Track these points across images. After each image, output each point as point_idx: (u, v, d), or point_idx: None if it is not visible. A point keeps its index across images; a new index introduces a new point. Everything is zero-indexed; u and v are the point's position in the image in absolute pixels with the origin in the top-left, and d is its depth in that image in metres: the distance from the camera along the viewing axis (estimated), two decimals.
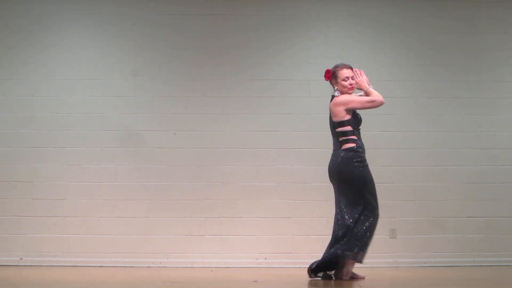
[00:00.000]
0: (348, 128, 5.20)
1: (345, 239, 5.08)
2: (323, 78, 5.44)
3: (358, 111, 5.29)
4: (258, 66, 7.21)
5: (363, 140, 5.31)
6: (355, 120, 5.25)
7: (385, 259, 6.88)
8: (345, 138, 5.20)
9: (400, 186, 7.04)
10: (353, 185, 5.15)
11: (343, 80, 5.27)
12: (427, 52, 7.25)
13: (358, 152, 5.20)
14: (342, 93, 5.27)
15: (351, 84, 5.27)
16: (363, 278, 5.21)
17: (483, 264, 6.87)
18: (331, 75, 5.32)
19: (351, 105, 5.21)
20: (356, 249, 5.10)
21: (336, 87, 5.31)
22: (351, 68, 5.35)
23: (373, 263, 6.78)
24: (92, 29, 7.22)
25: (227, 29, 7.22)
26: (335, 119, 5.23)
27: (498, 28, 7.30)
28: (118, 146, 7.05)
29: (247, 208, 6.98)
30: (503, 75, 7.26)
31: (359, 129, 5.29)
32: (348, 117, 5.20)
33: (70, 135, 7.04)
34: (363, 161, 5.23)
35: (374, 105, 5.24)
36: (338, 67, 5.34)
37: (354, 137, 5.21)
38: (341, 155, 5.17)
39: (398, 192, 7.02)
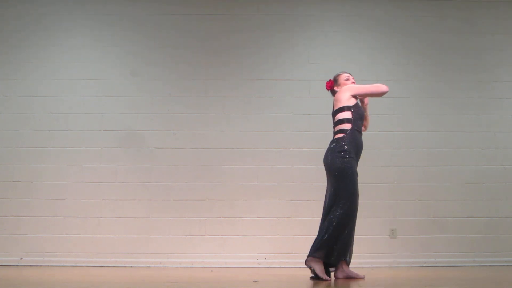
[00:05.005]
0: (347, 114, 5.20)
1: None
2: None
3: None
4: (258, 66, 7.21)
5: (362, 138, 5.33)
6: (357, 111, 5.25)
7: (385, 259, 6.88)
8: (339, 128, 5.20)
9: (400, 186, 7.04)
10: (334, 176, 5.13)
11: (346, 80, 5.42)
12: (427, 52, 7.26)
13: (344, 143, 5.13)
14: None
15: (353, 83, 5.42)
16: (363, 278, 5.20)
17: (483, 264, 6.87)
18: (333, 83, 5.47)
19: (358, 91, 5.27)
20: (313, 247, 5.06)
21: (338, 90, 5.39)
22: (349, 74, 5.52)
23: (373, 263, 6.79)
24: (92, 29, 7.23)
25: (227, 29, 7.23)
26: (337, 106, 5.25)
27: (498, 28, 7.31)
28: (118, 146, 7.05)
29: (247, 208, 6.98)
30: (503, 75, 7.27)
31: (361, 133, 5.30)
32: (349, 103, 5.22)
33: (70, 135, 7.04)
34: (346, 151, 5.13)
35: (379, 90, 5.27)
36: (337, 74, 5.51)
37: (348, 124, 5.17)
38: (331, 145, 5.20)
39: (398, 192, 7.03)
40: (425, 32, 7.28)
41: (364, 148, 7.19)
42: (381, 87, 5.28)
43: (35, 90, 7.11)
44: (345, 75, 5.46)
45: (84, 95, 7.12)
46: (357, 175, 5.19)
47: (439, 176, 7.08)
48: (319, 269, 5.02)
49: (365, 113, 5.42)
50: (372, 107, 7.11)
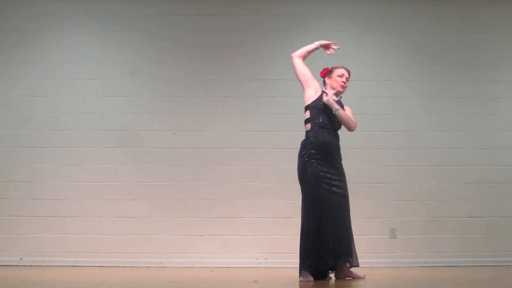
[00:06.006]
0: (306, 114, 5.13)
1: None
2: (322, 77, 5.42)
3: (328, 112, 5.12)
4: (258, 66, 7.21)
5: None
6: (326, 119, 5.08)
7: (385, 259, 6.88)
8: (306, 129, 5.13)
9: (400, 186, 7.04)
10: (299, 183, 5.11)
11: (338, 75, 5.22)
12: (427, 52, 7.25)
13: (305, 146, 5.08)
14: (332, 88, 5.21)
15: (344, 82, 5.20)
16: (363, 277, 5.19)
17: (483, 264, 6.87)
18: (327, 72, 5.30)
19: (296, 72, 5.20)
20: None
21: (327, 82, 5.26)
22: (349, 71, 5.30)
23: (373, 263, 6.79)
24: (92, 28, 7.22)
25: (227, 28, 7.22)
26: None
27: (499, 27, 7.30)
28: (118, 146, 7.05)
29: (247, 208, 6.98)
30: (504, 75, 7.26)
31: (330, 127, 5.09)
32: (307, 101, 5.13)
33: (70, 135, 7.04)
34: (306, 155, 5.07)
35: (292, 59, 5.21)
36: (337, 66, 5.31)
37: (308, 125, 5.10)
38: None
39: (398, 192, 7.03)
40: (425, 32, 7.27)
41: (364, 148, 7.21)
42: (292, 55, 5.24)
43: (35, 90, 7.10)
44: (340, 71, 5.24)
45: (84, 95, 7.12)
46: (320, 174, 5.01)
47: (439, 176, 7.08)
48: (304, 276, 5.02)
49: (334, 112, 5.06)
50: (372, 107, 7.13)
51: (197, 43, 7.19)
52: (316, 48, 5.32)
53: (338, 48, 5.36)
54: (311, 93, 5.16)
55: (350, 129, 5.20)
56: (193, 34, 7.21)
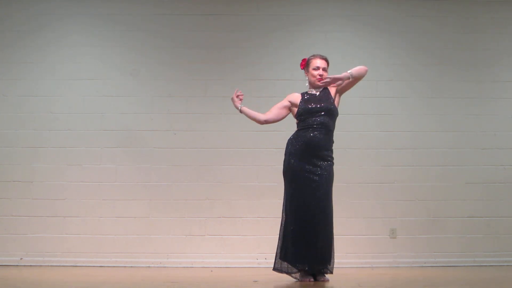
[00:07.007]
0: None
1: None
2: (303, 69, 5.41)
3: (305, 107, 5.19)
4: (258, 66, 7.20)
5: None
6: (312, 121, 5.11)
7: (385, 259, 6.88)
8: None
9: (400, 186, 7.04)
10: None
11: (313, 69, 5.15)
12: (427, 52, 7.24)
13: (288, 145, 5.16)
14: (310, 83, 5.20)
15: (320, 75, 5.12)
16: (326, 280, 5.00)
17: (483, 264, 6.87)
18: (305, 63, 5.24)
19: (281, 119, 5.45)
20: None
21: (307, 76, 5.24)
22: (326, 60, 5.20)
23: (373, 263, 6.79)
24: (92, 28, 7.22)
25: (227, 28, 7.22)
26: None
27: (499, 27, 7.29)
28: (118, 146, 7.05)
29: (247, 208, 6.98)
30: (504, 75, 7.25)
31: (315, 127, 5.08)
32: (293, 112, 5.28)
33: (70, 135, 7.04)
34: (288, 153, 5.11)
35: (264, 121, 5.42)
36: (313, 56, 5.23)
37: (297, 129, 5.20)
38: None
39: (398, 192, 7.02)
40: (425, 32, 7.25)
41: (364, 148, 7.21)
42: (264, 122, 5.42)
43: (35, 90, 7.10)
44: (315, 63, 5.16)
45: (84, 95, 7.11)
46: (297, 173, 5.01)
47: (439, 176, 7.07)
48: (304, 276, 5.00)
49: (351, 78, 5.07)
50: (372, 107, 7.13)
51: (197, 43, 7.19)
52: (242, 110, 5.44)
53: (240, 93, 5.46)
54: (294, 109, 5.28)
55: (365, 75, 5.15)
56: (193, 34, 7.21)
